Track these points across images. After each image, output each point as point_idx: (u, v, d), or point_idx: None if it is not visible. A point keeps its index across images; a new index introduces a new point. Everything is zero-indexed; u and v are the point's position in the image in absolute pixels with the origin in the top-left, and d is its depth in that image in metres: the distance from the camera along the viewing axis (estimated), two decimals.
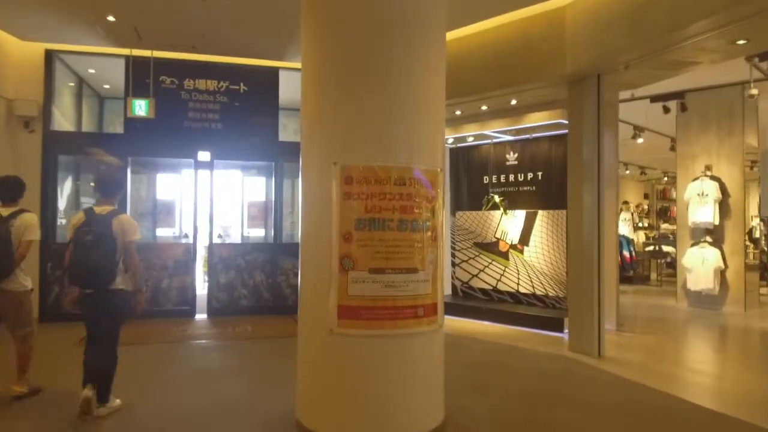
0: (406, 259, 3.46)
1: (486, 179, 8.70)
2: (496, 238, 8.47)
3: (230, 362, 5.66)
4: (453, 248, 9.05)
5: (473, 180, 8.89)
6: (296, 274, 8.53)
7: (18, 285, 4.19)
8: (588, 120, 6.08)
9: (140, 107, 7.30)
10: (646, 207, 17.45)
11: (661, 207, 17.42)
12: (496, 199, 8.25)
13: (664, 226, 15.96)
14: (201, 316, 8.01)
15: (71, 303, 3.89)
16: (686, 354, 6.56)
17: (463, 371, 5.19)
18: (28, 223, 4.22)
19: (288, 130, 9.06)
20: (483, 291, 8.61)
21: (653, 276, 13.81)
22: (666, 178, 16.23)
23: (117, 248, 3.79)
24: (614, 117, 7.50)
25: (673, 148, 11.23)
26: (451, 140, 8.83)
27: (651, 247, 13.75)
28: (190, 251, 8.03)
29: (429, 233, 3.57)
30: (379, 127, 3.41)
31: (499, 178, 8.53)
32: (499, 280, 8.40)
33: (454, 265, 9.03)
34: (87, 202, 8.58)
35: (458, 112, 7.89)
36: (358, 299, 3.41)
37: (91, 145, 7.98)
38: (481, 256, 8.67)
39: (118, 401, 4.01)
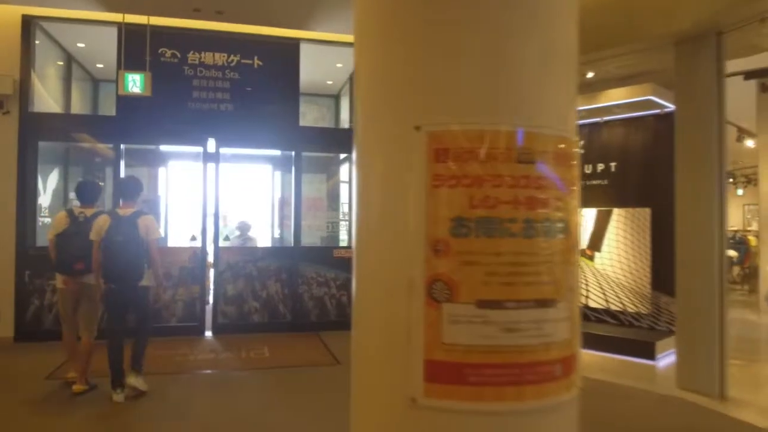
0: (535, 284, 2.08)
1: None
2: None
3: (248, 410, 4.35)
4: None
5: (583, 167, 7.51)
6: (320, 284, 7.48)
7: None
8: (702, 93, 4.71)
9: (134, 82, 6.03)
10: None
11: None
12: None
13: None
14: (206, 335, 6.72)
15: (100, 299, 4.33)
16: None
17: None
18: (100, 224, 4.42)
19: (307, 119, 7.79)
20: None
21: None
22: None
23: (143, 247, 4.19)
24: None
25: (739, 139, 9.83)
26: None
27: None
28: (198, 256, 6.75)
29: (566, 241, 2.20)
30: (490, 67, 2.05)
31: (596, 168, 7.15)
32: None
33: None
34: (74, 198, 7.34)
35: None
36: (460, 351, 2.01)
37: (78, 130, 6.78)
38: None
39: (141, 380, 4.38)
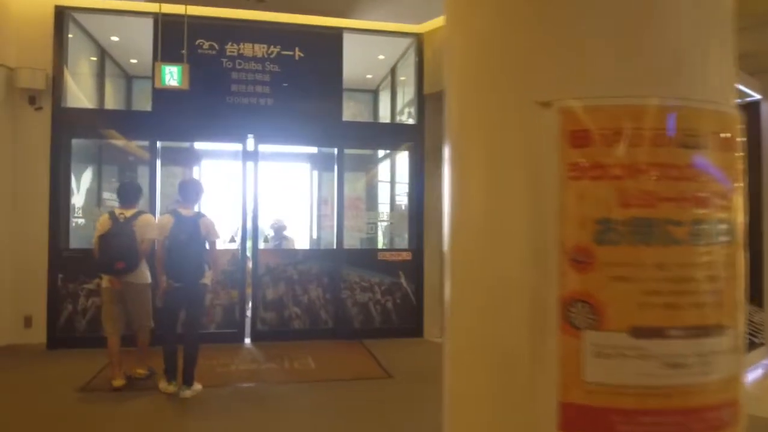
0: (701, 306, 1.58)
1: None
2: None
3: None
4: None
5: None
6: (364, 289, 7.06)
7: (143, 278, 4.62)
8: None
9: (171, 75, 5.68)
10: None
11: None
12: None
13: None
14: (245, 343, 6.34)
15: (161, 296, 4.44)
16: None
17: None
18: (147, 222, 4.64)
19: (344, 115, 7.36)
20: None
21: None
22: None
23: (204, 247, 4.37)
24: None
25: None
26: None
27: None
28: (238, 259, 6.38)
29: (733, 249, 1.68)
30: (639, 21, 1.54)
31: None
32: None
33: None
34: (111, 198, 7.07)
35: None
36: (608, 392, 1.51)
37: (112, 126, 6.48)
38: None
39: (199, 386, 4.45)
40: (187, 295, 4.35)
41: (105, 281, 4.60)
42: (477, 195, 1.33)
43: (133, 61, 7.72)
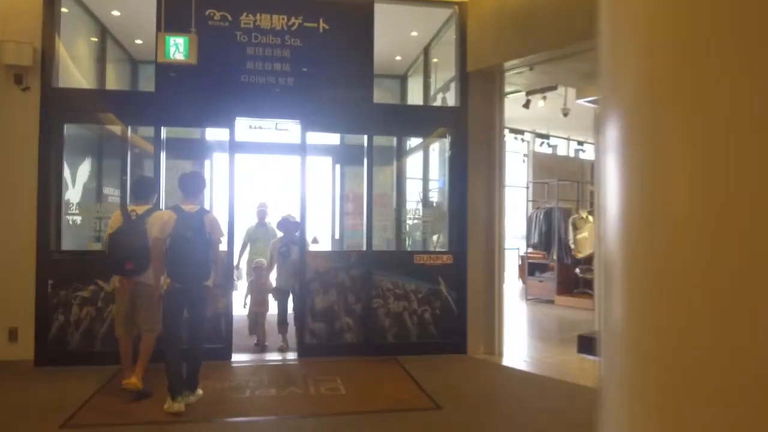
0: None
1: None
2: None
3: None
4: None
5: None
6: (399, 297, 5.68)
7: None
8: None
9: (176, 47, 4.85)
10: None
11: None
12: None
13: None
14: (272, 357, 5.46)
15: (161, 297, 4.03)
16: None
17: None
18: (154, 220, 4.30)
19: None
20: None
21: None
22: None
23: (210, 245, 4.03)
24: None
25: None
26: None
27: None
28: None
29: None
30: None
31: None
32: None
33: None
34: (113, 194, 6.28)
35: None
36: None
37: (110, 109, 5.66)
38: None
39: (200, 391, 4.17)
40: (189, 298, 4.02)
41: (116, 281, 4.47)
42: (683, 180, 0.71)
43: (139, 41, 6.92)
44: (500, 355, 5.80)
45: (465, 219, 5.85)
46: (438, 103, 6.88)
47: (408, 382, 4.78)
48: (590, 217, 9.50)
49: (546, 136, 12.20)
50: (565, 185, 10.73)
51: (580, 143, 13.29)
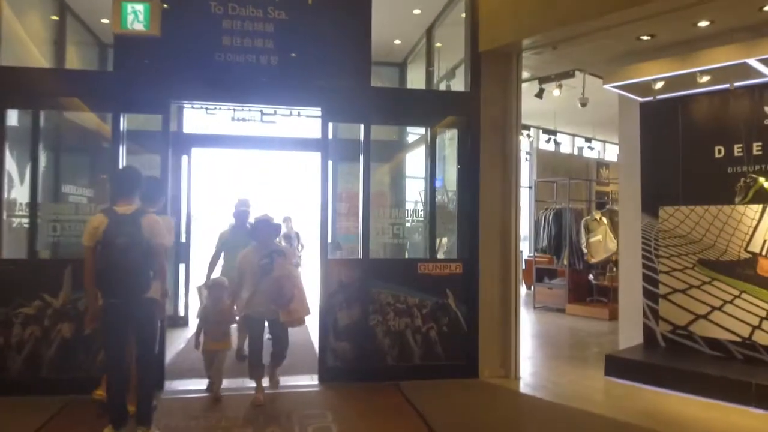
0: None
1: (721, 151, 5.07)
2: (750, 252, 4.84)
3: None
4: (650, 266, 5.48)
5: (696, 152, 5.26)
6: (400, 312, 4.82)
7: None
8: None
9: (135, 15, 4.04)
10: None
11: None
12: (766, 184, 4.64)
13: None
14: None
15: (92, 319, 3.52)
16: None
17: None
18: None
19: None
20: (714, 343, 4.99)
21: None
22: None
23: (149, 252, 3.48)
24: None
25: None
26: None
27: None
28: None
29: None
30: None
31: (750, 148, 4.89)
32: (757, 327, 4.76)
33: (652, 295, 5.44)
34: (71, 192, 5.45)
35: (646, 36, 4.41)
36: None
37: (61, 92, 4.83)
38: (716, 283, 5.04)
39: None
40: (130, 314, 3.45)
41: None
42: None
43: (105, 21, 6.08)
44: (517, 379, 5.02)
45: (477, 221, 5.06)
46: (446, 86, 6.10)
47: (411, 418, 3.98)
48: (604, 219, 8.76)
49: (553, 132, 11.44)
50: (573, 185, 9.99)
51: (588, 140, 12.55)
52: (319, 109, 4.94)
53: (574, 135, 13.16)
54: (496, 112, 5.10)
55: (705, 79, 4.76)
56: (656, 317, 5.41)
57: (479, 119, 5.06)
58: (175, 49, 4.55)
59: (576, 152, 13.89)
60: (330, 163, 7.09)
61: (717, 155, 5.12)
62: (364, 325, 4.86)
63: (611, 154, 14.33)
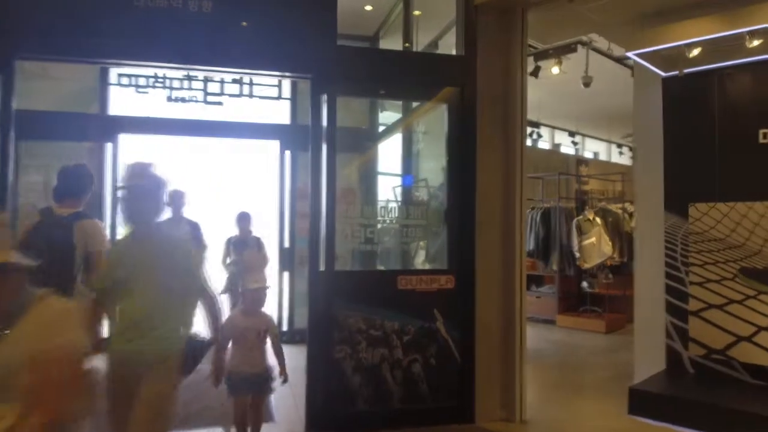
0: None
1: (767, 135, 4.15)
2: None
3: None
4: (675, 275, 4.51)
5: (737, 136, 4.32)
6: (374, 342, 3.60)
7: None
8: None
9: None
10: None
11: None
12: None
13: None
14: None
15: None
16: None
17: None
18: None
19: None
20: (757, 370, 4.05)
21: None
22: None
23: (75, 260, 3.06)
24: None
25: None
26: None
27: None
28: None
29: None
30: None
31: None
32: None
33: (679, 311, 4.48)
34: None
35: None
36: None
37: None
38: (763, 297, 4.11)
39: None
40: None
41: None
42: None
43: None
44: (524, 422, 3.95)
45: (473, 223, 3.95)
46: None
47: None
48: (598, 219, 7.85)
49: (536, 125, 10.53)
50: (563, 181, 9.07)
51: (572, 134, 11.69)
52: (267, 72, 3.75)
53: (554, 128, 12.32)
54: (496, 82, 4.01)
55: (756, 43, 3.81)
56: (684, 338, 4.44)
57: (476, 90, 3.95)
58: None
59: (554, 148, 13.11)
60: (287, 152, 5.94)
61: (762, 140, 4.18)
62: (326, 358, 3.70)
63: (590, 150, 13.60)
